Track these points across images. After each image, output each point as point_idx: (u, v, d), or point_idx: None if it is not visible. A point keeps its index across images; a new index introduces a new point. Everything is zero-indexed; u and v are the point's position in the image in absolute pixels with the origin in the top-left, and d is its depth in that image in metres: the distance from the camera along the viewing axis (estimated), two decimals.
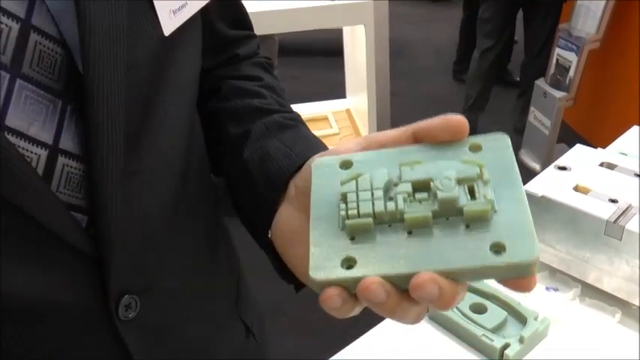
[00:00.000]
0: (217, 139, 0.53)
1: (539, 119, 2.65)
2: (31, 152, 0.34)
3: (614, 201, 0.76)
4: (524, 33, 2.96)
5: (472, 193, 0.33)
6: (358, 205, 0.33)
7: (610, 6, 2.36)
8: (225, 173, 0.53)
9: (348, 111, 2.40)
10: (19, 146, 0.33)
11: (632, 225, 0.71)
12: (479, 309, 0.74)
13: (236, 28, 0.57)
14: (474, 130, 0.33)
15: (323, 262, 0.32)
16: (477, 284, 0.77)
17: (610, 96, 2.67)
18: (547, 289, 0.82)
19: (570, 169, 0.83)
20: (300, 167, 0.43)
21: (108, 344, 0.43)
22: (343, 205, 0.34)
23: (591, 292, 0.79)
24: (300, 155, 0.44)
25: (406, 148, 0.36)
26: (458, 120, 0.36)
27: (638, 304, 0.75)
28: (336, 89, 2.74)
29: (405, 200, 0.33)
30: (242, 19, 0.58)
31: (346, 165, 0.37)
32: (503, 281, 0.32)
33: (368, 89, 2.10)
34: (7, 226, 0.34)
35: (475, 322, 0.73)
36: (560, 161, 0.85)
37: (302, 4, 1.95)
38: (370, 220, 0.33)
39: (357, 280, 0.31)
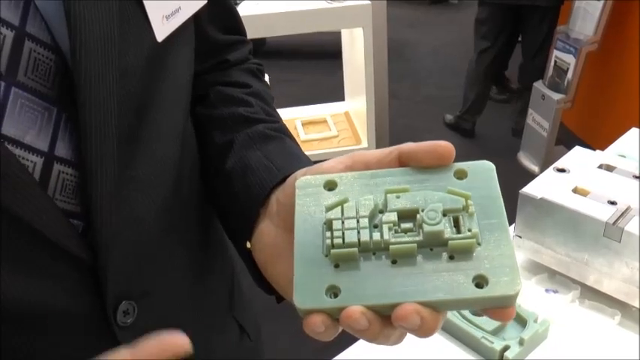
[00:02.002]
0: (203, 145, 0.53)
1: (537, 121, 2.66)
2: (27, 160, 0.34)
3: (613, 203, 0.76)
4: (521, 36, 2.97)
5: (457, 225, 0.33)
6: (343, 234, 0.33)
7: (608, 8, 2.36)
8: (209, 180, 0.53)
9: (346, 113, 2.40)
10: (14, 154, 0.33)
11: (631, 227, 0.71)
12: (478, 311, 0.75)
13: (227, 33, 0.57)
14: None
15: (307, 289, 0.33)
16: None
17: (608, 98, 2.67)
18: (547, 291, 0.82)
19: (569, 171, 0.83)
20: (282, 181, 0.43)
21: (106, 350, 0.43)
22: (328, 233, 0.34)
23: (591, 294, 0.79)
24: (282, 169, 0.44)
25: (392, 171, 0.36)
26: (445, 146, 0.35)
27: (637, 306, 0.75)
28: (334, 92, 2.74)
29: (390, 229, 0.33)
30: (234, 25, 0.58)
31: (330, 185, 0.37)
32: (483, 310, 0.33)
33: (366, 91, 2.10)
34: (5, 234, 0.34)
35: (475, 325, 0.73)
36: (559, 163, 0.85)
37: (301, 7, 1.95)
38: (355, 249, 0.33)
39: (340, 309, 0.32)
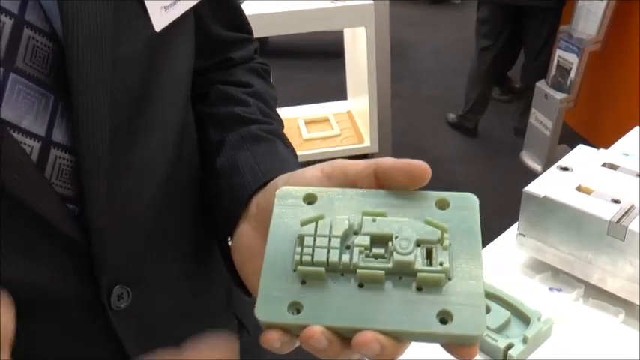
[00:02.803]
0: (200, 142, 0.53)
1: (540, 121, 2.65)
2: (25, 144, 0.35)
3: (616, 201, 0.76)
4: (523, 36, 2.97)
5: (430, 257, 0.32)
6: (313, 252, 0.33)
7: (610, 7, 2.36)
8: (203, 176, 0.53)
9: (349, 112, 2.41)
10: (14, 137, 0.34)
11: (634, 225, 0.71)
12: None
13: (232, 30, 0.57)
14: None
15: (270, 302, 0.32)
16: None
17: (611, 97, 2.67)
18: (550, 289, 0.82)
19: (572, 170, 0.83)
20: (265, 184, 0.43)
21: (101, 335, 0.44)
22: (298, 249, 0.33)
23: (595, 292, 0.79)
24: (266, 173, 0.44)
25: (374, 192, 0.36)
26: (420, 167, 0.34)
27: None
28: (337, 91, 2.74)
29: (361, 253, 0.33)
30: (238, 23, 0.58)
31: (310, 199, 0.36)
32: (444, 344, 0.32)
33: (369, 91, 2.10)
34: (5, 216, 0.35)
35: None
36: (563, 162, 0.85)
37: (304, 6, 1.95)
38: (322, 269, 0.32)
39: (301, 326, 0.31)
